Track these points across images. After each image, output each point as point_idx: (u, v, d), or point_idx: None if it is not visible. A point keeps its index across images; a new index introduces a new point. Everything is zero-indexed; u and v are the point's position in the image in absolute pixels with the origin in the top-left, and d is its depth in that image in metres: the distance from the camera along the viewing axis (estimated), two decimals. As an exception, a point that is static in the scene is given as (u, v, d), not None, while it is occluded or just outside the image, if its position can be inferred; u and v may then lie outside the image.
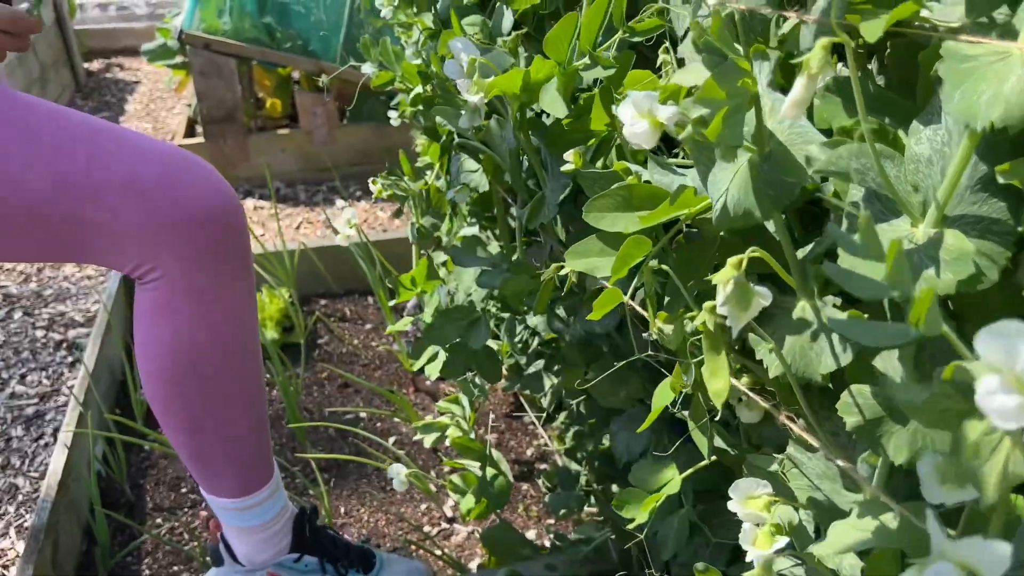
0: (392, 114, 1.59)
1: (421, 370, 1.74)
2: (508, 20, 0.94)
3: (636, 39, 0.62)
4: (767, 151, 0.50)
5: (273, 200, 2.11)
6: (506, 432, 1.55)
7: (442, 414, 1.23)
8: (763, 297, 0.44)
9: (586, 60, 0.64)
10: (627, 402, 0.88)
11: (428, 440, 1.19)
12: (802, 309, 0.52)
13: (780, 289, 0.57)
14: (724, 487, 0.83)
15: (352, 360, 1.81)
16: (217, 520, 1.04)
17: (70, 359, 1.94)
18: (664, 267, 0.56)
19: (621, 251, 0.54)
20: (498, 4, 0.97)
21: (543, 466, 1.48)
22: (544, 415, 1.57)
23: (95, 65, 4.31)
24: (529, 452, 1.51)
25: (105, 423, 1.51)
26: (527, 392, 1.20)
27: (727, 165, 0.52)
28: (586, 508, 1.21)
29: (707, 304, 0.50)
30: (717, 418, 0.68)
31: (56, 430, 1.70)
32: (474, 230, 1.28)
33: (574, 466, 1.31)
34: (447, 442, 1.22)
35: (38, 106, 0.82)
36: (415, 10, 1.16)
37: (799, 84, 0.40)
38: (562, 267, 0.74)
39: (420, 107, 1.20)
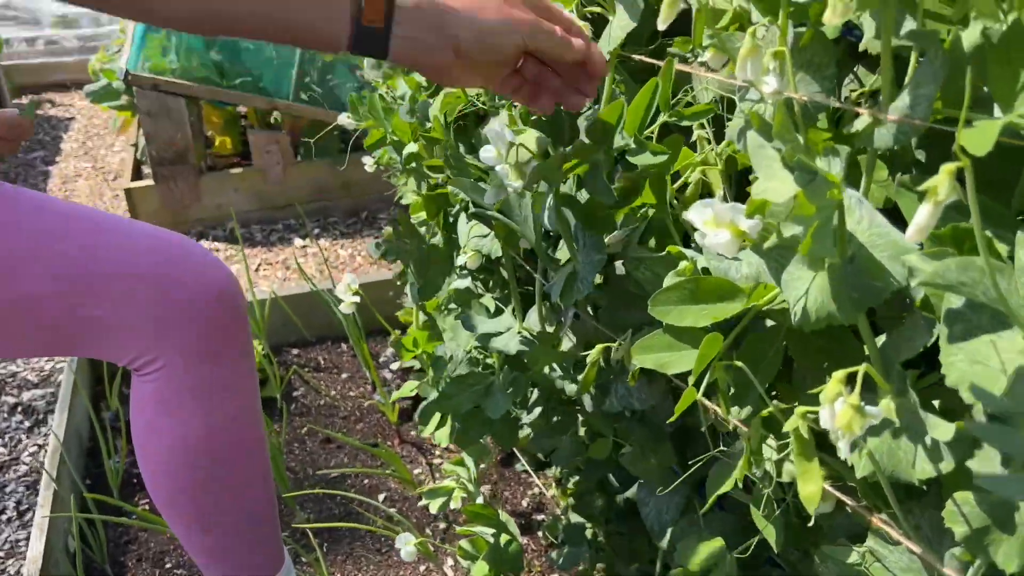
0: (367, 160, 1.56)
1: (404, 421, 1.71)
2: (514, 84, 0.93)
3: (685, 123, 0.62)
4: (849, 254, 0.49)
5: (241, 248, 2.05)
6: (499, 482, 1.53)
7: (446, 476, 1.21)
8: (874, 417, 0.44)
9: (630, 143, 0.63)
10: (657, 470, 0.87)
11: (434, 506, 1.16)
12: (886, 407, 0.51)
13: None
14: (766, 554, 0.83)
15: (331, 412, 1.76)
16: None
17: (27, 424, 1.84)
18: (737, 363, 0.55)
19: (701, 351, 0.53)
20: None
21: (540, 517, 1.46)
22: (537, 462, 1.55)
23: (25, 102, 4.14)
24: (525, 502, 1.49)
25: (79, 495, 1.44)
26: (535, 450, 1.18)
27: (804, 265, 0.52)
28: (597, 564, 1.20)
29: (800, 410, 0.50)
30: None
31: (19, 503, 1.61)
32: (466, 282, 1.26)
33: (575, 517, 1.29)
34: (452, 504, 1.19)
35: (24, 199, 0.77)
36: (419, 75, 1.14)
37: (925, 211, 0.39)
38: (609, 347, 0.72)
39: (414, 165, 1.18)
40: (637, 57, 0.74)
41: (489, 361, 1.24)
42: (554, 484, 1.50)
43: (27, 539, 1.53)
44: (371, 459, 1.61)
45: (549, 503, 1.49)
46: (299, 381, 1.86)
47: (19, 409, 1.89)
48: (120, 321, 0.78)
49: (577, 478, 1.33)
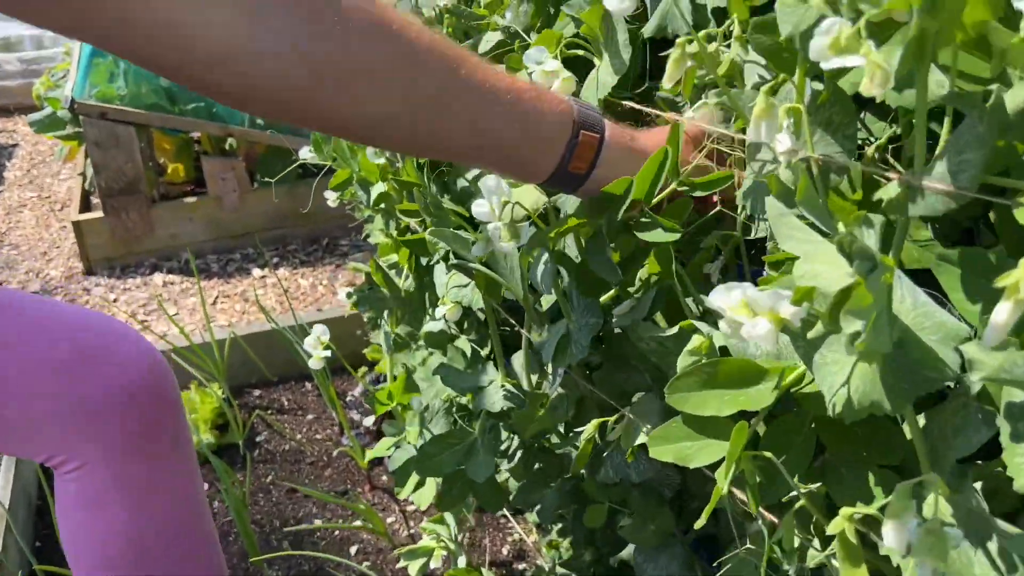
0: (330, 195, 1.50)
1: (375, 465, 1.64)
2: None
3: (697, 194, 0.57)
4: (896, 338, 0.45)
5: (198, 282, 1.96)
6: (478, 529, 1.47)
7: (425, 533, 1.14)
8: (956, 540, 0.39)
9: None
10: (657, 536, 0.81)
11: (414, 568, 1.09)
12: (933, 505, 0.47)
13: (900, 473, 0.52)
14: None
15: (297, 458, 1.68)
16: None
17: (-30, 479, 1.73)
18: (766, 454, 0.50)
19: (732, 445, 0.48)
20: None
21: (522, 566, 1.40)
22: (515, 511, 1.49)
23: (-35, 128, 3.98)
24: (505, 550, 1.43)
25: (27, 564, 1.33)
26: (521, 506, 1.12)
27: (840, 348, 0.47)
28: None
29: (845, 512, 0.45)
30: None
31: (-39, 569, 1.50)
32: (439, 325, 1.20)
33: (561, 570, 1.23)
34: (432, 564, 1.12)
35: None
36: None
37: (1005, 309, 0.35)
38: (605, 423, 0.67)
39: (383, 206, 1.12)
40: (628, 104, 0.69)
41: (463, 401, 1.18)
42: (535, 529, 1.44)
43: (-30, 609, 1.43)
44: (341, 509, 1.53)
45: (530, 550, 1.43)
46: (262, 425, 1.77)
47: (-40, 463, 1.77)
48: (33, 418, 0.71)
49: (560, 526, 1.27)
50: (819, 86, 0.54)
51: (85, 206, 2.70)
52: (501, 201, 0.62)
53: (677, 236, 0.54)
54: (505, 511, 1.49)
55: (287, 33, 0.49)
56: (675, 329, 0.58)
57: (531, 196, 0.66)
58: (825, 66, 0.43)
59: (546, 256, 0.64)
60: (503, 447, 1.08)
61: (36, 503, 1.54)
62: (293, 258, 2.73)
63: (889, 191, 0.49)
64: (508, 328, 1.06)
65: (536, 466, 1.10)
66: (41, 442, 0.72)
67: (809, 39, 0.44)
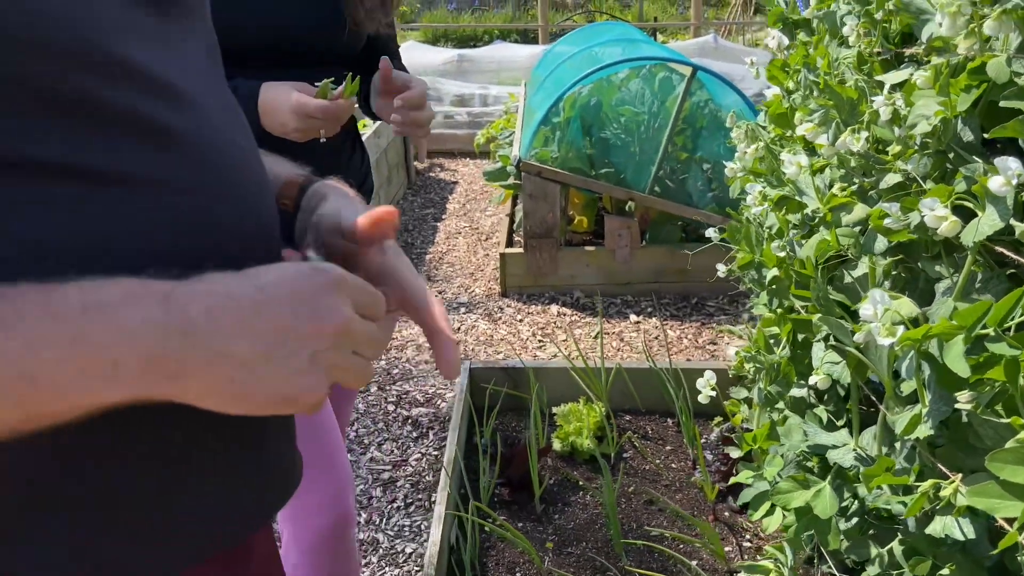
0: (720, 267, 1.80)
1: (721, 500, 1.91)
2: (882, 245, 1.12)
3: (1040, 324, 0.78)
4: None
5: (600, 320, 2.37)
6: (808, 565, 1.67)
7: (766, 557, 1.39)
8: None
9: (990, 332, 0.81)
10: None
11: (752, 580, 1.35)
12: None
13: None
14: None
15: (655, 478, 2.01)
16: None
17: (415, 434, 2.33)
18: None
19: (1028, 506, 0.69)
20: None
21: (841, 618, 1.57)
22: (842, 566, 1.66)
23: (424, 165, 5.01)
24: (826, 601, 1.61)
25: (455, 504, 1.83)
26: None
27: None
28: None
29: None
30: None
31: (406, 496, 2.06)
32: (802, 392, 1.45)
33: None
34: (766, 584, 1.36)
35: None
36: (790, 216, 1.36)
37: None
38: (939, 484, 0.89)
39: (775, 287, 1.40)
40: (999, 250, 0.91)
41: (808, 465, 1.41)
42: (858, 592, 1.60)
43: (409, 526, 1.97)
44: (686, 528, 1.83)
45: (851, 608, 1.59)
46: (629, 445, 2.13)
47: (409, 421, 2.39)
48: None
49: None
50: None
51: (508, 242, 3.34)
52: (883, 308, 0.88)
53: (1019, 352, 0.76)
54: (833, 569, 1.66)
55: None
56: (1006, 420, 0.79)
57: (907, 307, 0.90)
58: None
59: (912, 353, 0.89)
60: (843, 505, 1.31)
61: (462, 463, 2.06)
62: (664, 311, 3.10)
63: None
64: (863, 407, 1.28)
65: (870, 532, 1.30)
66: None
67: None
